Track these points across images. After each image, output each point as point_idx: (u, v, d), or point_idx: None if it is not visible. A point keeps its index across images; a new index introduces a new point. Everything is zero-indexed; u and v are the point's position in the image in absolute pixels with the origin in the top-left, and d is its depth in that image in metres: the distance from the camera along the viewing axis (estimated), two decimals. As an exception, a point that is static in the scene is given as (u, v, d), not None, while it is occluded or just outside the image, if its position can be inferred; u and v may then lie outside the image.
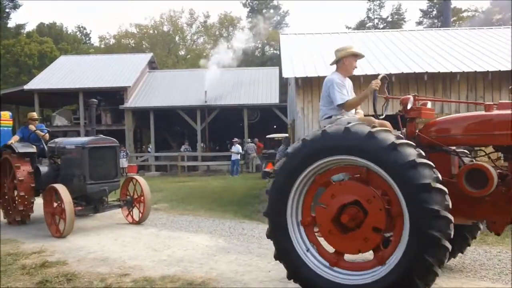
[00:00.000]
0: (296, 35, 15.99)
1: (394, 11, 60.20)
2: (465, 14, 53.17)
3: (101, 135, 10.24)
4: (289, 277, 5.11)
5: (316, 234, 5.16)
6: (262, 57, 59.20)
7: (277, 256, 5.26)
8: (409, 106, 5.30)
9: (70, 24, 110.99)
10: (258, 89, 31.65)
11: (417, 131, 5.28)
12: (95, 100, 10.78)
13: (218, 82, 30.51)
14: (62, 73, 32.16)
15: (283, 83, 18.52)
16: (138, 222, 10.11)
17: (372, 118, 5.43)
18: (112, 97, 31.72)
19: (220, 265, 6.61)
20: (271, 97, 29.12)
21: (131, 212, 10.35)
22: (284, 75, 12.39)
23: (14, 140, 10.81)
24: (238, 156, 25.83)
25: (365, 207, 4.64)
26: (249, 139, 28.82)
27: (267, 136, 29.86)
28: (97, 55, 42.17)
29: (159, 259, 7.05)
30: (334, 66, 6.20)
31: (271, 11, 63.96)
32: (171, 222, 10.26)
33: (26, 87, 30.37)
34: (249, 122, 30.25)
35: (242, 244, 8.07)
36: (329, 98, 5.85)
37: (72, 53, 50.32)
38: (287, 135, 18.36)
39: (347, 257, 5.04)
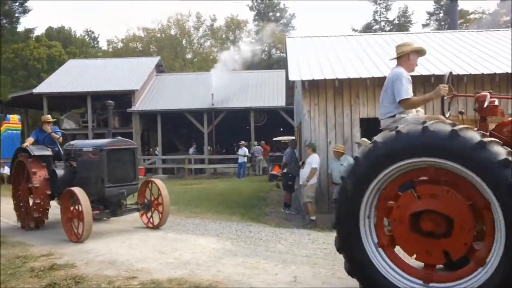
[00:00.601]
0: (303, 38, 16.01)
1: (400, 14, 60.02)
2: (472, 16, 52.94)
3: (119, 137, 10.02)
4: None
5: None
6: (269, 60, 59.19)
7: (351, 271, 4.88)
8: (486, 104, 4.94)
9: (79, 28, 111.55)
10: (265, 92, 31.68)
11: (489, 130, 4.90)
12: (111, 101, 10.53)
13: (224, 85, 30.57)
14: (71, 77, 32.37)
15: (290, 86, 18.52)
16: (157, 227, 9.86)
17: (442, 117, 5.03)
18: (120, 100, 31.70)
19: (227, 268, 6.63)
20: (278, 99, 29.11)
21: (149, 216, 10.14)
22: (291, 78, 12.40)
23: (28, 143, 10.56)
24: (245, 159, 25.85)
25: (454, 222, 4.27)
26: (256, 142, 28.85)
27: (274, 139, 29.88)
28: (105, 58, 42.47)
29: (166, 261, 7.08)
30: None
31: (278, 14, 63.97)
32: (178, 225, 10.29)
33: (35, 90, 30.59)
34: (255, 125, 30.28)
35: (249, 247, 8.08)
36: (393, 95, 5.41)
37: (80, 57, 50.63)
38: (293, 137, 18.35)
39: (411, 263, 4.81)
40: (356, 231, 4.66)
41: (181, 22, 61.61)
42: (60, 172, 10.03)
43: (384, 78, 5.85)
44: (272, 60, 58.62)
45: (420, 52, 5.83)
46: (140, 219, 10.28)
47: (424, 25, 58.75)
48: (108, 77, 32.25)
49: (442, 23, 55.36)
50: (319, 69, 12.26)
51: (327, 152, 11.73)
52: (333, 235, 8.59)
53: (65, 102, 33.96)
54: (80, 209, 8.52)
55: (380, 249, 4.69)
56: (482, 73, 11.46)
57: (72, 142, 10.57)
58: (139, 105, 30.32)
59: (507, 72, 11.39)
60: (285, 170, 14.07)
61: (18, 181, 10.72)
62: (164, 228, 9.93)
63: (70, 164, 10.28)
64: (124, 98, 31.19)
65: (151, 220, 10.07)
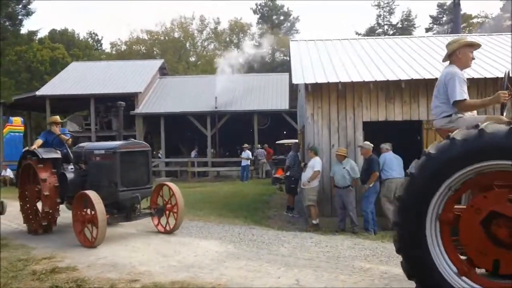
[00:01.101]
0: (306, 42, 16.01)
1: (404, 17, 60.09)
2: (475, 20, 52.93)
3: (133, 139, 9.74)
4: None
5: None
6: (272, 63, 59.26)
7: (410, 274, 4.52)
8: None
9: (82, 30, 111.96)
10: (268, 95, 31.70)
11: None
12: (122, 102, 10.40)
13: (228, 88, 30.60)
14: (74, 79, 32.44)
15: (293, 89, 18.54)
16: (170, 232, 9.59)
17: (503, 117, 4.82)
18: (124, 103, 31.81)
19: (229, 271, 6.61)
20: (281, 103, 29.12)
21: (163, 222, 9.84)
22: (294, 81, 12.41)
23: (37, 145, 10.22)
24: (248, 162, 25.85)
25: None
26: (259, 145, 28.85)
27: (277, 142, 29.88)
28: (109, 61, 42.54)
29: (168, 264, 7.07)
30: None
31: (281, 17, 64.06)
32: (181, 228, 10.26)
33: (38, 93, 30.66)
34: (259, 128, 30.29)
35: (251, 250, 8.07)
36: (447, 95, 5.27)
37: (83, 59, 50.69)
38: (297, 141, 18.35)
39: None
40: (421, 232, 4.29)
41: (185, 25, 61.83)
42: (70, 175, 9.69)
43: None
44: (276, 63, 58.69)
45: (472, 45, 5.55)
46: (153, 224, 9.96)
47: (428, 29, 58.74)
48: (111, 80, 32.32)
49: (445, 27, 55.34)
50: (322, 73, 12.26)
51: (330, 155, 11.72)
52: (335, 238, 8.64)
53: (68, 105, 34.03)
54: (94, 213, 8.25)
55: (445, 253, 4.33)
56: (485, 77, 11.42)
57: (82, 144, 10.28)
58: (142, 107, 30.37)
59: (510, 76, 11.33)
60: (288, 173, 14.06)
61: (24, 184, 10.42)
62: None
63: (80, 167, 9.93)
64: (127, 100, 31.09)
65: (164, 225, 9.81)
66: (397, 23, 60.24)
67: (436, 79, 11.41)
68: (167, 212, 9.73)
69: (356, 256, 7.69)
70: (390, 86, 11.71)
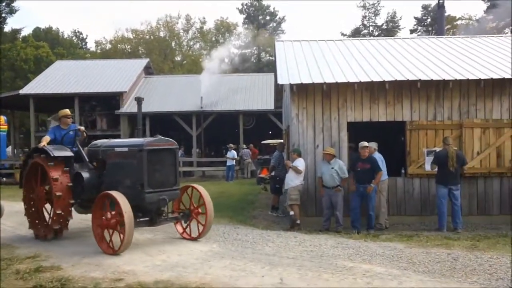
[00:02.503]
0: (292, 42, 16.06)
1: (389, 19, 60.55)
2: (459, 22, 53.50)
3: (160, 136, 8.82)
4: None
5: None
6: (258, 63, 59.33)
7: None
8: None
9: (66, 29, 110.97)
10: (254, 95, 31.76)
11: None
12: (141, 97, 9.73)
13: (214, 88, 30.59)
14: (58, 78, 32.21)
15: (279, 90, 18.59)
16: (196, 238, 8.93)
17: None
18: (108, 102, 31.76)
19: (214, 270, 6.65)
20: (267, 103, 29.19)
21: (186, 226, 9.22)
22: (279, 81, 12.44)
23: (45, 142, 9.27)
24: (234, 162, 25.87)
25: None
26: (244, 145, 28.89)
27: (262, 142, 29.94)
28: (93, 60, 42.29)
29: (153, 264, 7.09)
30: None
31: (267, 17, 64.16)
32: (166, 227, 10.27)
33: (22, 91, 30.40)
34: (244, 128, 30.35)
35: (236, 249, 8.12)
36: None
37: (68, 58, 50.38)
38: (282, 141, 18.41)
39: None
40: None
41: (171, 24, 61.57)
42: (86, 175, 8.87)
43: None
44: (262, 64, 58.76)
45: None
46: (175, 229, 9.34)
47: (412, 31, 59.23)
48: (96, 79, 32.12)
49: (430, 28, 55.84)
50: (307, 73, 12.33)
51: (315, 156, 11.79)
52: (319, 237, 8.72)
53: (52, 103, 33.61)
54: (118, 217, 7.57)
55: None
56: (468, 79, 11.58)
57: (97, 142, 9.47)
58: (127, 107, 30.24)
59: (492, 78, 11.52)
60: (273, 173, 14.10)
61: (30, 185, 9.56)
62: (151, 230, 9.90)
63: (95, 166, 9.14)
64: (112, 100, 31.13)
65: (188, 230, 9.18)
66: (382, 24, 60.73)
67: (419, 80, 11.63)
68: (193, 216, 9.02)
69: (339, 255, 7.79)
70: (375, 87, 11.81)
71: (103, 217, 7.85)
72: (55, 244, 8.63)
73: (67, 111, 10.15)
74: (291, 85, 11.79)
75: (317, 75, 12.10)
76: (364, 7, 61.04)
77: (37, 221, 9.48)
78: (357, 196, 10.87)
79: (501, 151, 11.67)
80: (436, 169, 10.92)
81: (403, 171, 12.17)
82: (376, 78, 11.73)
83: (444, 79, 11.57)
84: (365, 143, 10.98)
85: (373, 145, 11.43)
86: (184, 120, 29.96)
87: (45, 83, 31.49)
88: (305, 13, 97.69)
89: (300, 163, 11.38)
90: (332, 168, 10.93)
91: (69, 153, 9.17)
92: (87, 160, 9.22)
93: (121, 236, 7.55)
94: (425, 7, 57.65)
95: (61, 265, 7.08)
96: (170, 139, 8.82)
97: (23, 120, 41.11)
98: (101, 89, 30.61)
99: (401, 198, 11.87)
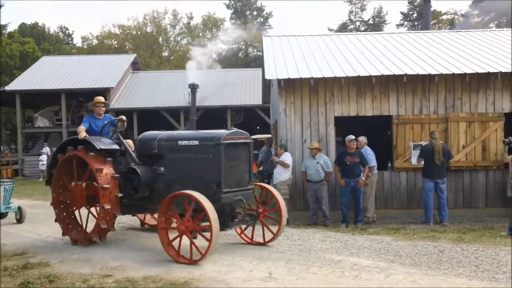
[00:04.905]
0: (279, 37, 16.07)
1: (375, 14, 60.65)
2: (444, 17, 53.77)
3: (235, 128, 7.97)
4: None
5: None
6: (246, 58, 59.23)
7: None
8: None
9: (53, 24, 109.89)
10: (242, 90, 31.75)
11: None
12: (196, 84, 8.73)
13: (202, 83, 30.43)
14: (44, 74, 31.94)
15: (266, 85, 18.62)
16: (265, 243, 8.02)
17: None
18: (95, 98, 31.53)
19: (203, 265, 6.66)
20: (255, 98, 29.22)
21: (245, 229, 8.35)
22: (267, 76, 12.48)
23: (83, 132, 8.23)
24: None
25: None
26: (232, 140, 28.80)
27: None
28: (80, 55, 41.91)
29: (142, 259, 7.09)
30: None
31: (255, 12, 64.03)
32: (153, 223, 10.27)
33: (7, 88, 30.10)
34: (232, 123, 30.32)
35: (225, 244, 8.13)
36: None
37: (54, 53, 49.84)
38: (270, 136, 18.43)
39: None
40: None
41: (158, 20, 61.20)
42: (142, 170, 7.81)
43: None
44: (249, 59, 58.68)
45: None
46: (236, 233, 8.41)
47: (398, 25, 59.46)
48: (83, 74, 31.86)
49: (416, 23, 56.09)
50: (295, 68, 12.36)
51: (303, 150, 11.84)
52: (307, 231, 8.77)
53: (39, 100, 33.50)
54: (208, 221, 6.57)
55: None
56: (453, 73, 11.68)
57: (150, 134, 8.45)
58: (114, 102, 30.07)
59: (477, 72, 11.64)
60: (261, 168, 14.13)
61: (62, 185, 8.52)
62: (140, 226, 9.89)
63: (145, 162, 8.09)
64: (99, 95, 30.88)
65: (252, 234, 8.24)
66: (369, 19, 60.74)
67: (406, 74, 11.70)
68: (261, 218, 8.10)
69: (327, 248, 7.85)
70: (361, 82, 11.88)
71: (179, 221, 6.92)
72: (43, 240, 8.60)
73: (100, 98, 9.18)
74: (279, 80, 11.82)
75: (305, 70, 12.14)
76: (350, 2, 60.96)
77: (70, 226, 8.49)
78: (347, 191, 10.91)
79: (486, 145, 11.80)
80: (423, 163, 11.02)
81: (389, 165, 12.27)
82: (363, 73, 11.79)
83: (430, 74, 11.67)
84: (353, 137, 11.04)
85: (363, 139, 11.50)
86: (172, 116, 29.94)
87: (31, 79, 31.19)
88: (292, 8, 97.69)
89: (287, 157, 11.42)
90: (318, 162, 10.98)
91: (115, 146, 8.25)
92: (133, 154, 8.29)
93: (209, 243, 6.58)
94: (411, 2, 57.78)
95: (49, 261, 7.06)
96: (246, 132, 8.01)
97: (9, 116, 40.74)
98: (88, 85, 30.40)
99: (388, 192, 11.96)
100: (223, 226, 7.12)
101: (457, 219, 11.27)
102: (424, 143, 11.39)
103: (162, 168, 7.84)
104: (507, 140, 11.43)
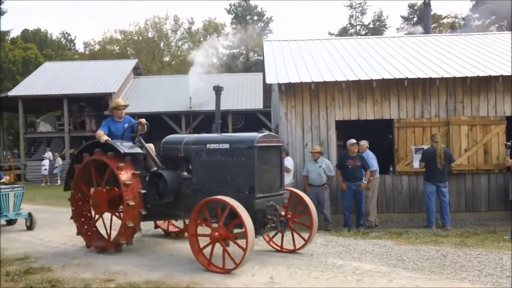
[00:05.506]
0: (280, 42, 16.11)
1: (375, 18, 60.72)
2: (445, 20, 53.82)
3: (266, 131, 7.56)
4: None
5: None
6: (246, 63, 59.31)
7: None
8: None
9: (55, 30, 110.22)
10: (243, 94, 31.79)
11: None
12: (221, 86, 8.31)
13: (202, 88, 30.57)
14: (47, 79, 32.08)
15: (267, 89, 18.64)
16: (295, 250, 7.80)
17: None
18: (97, 103, 31.69)
19: (204, 269, 6.65)
20: (255, 102, 29.29)
21: (273, 236, 8.09)
22: (268, 81, 12.49)
23: (104, 137, 8.00)
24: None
25: None
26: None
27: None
28: (82, 61, 42.05)
29: (143, 264, 7.08)
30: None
31: (255, 17, 64.15)
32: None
33: (10, 93, 30.27)
34: (233, 127, 30.36)
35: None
36: None
37: (56, 59, 50.00)
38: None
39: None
40: None
41: (159, 25, 61.38)
42: (168, 175, 7.57)
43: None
44: (250, 63, 58.76)
45: None
46: (265, 240, 8.12)
47: (398, 29, 59.51)
48: (84, 80, 31.99)
49: (416, 27, 56.15)
50: (295, 72, 12.37)
51: (304, 154, 11.83)
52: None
53: (41, 105, 33.60)
54: (244, 228, 6.31)
55: None
56: (454, 77, 11.68)
57: (174, 137, 8.34)
58: (116, 108, 30.10)
59: (478, 76, 11.63)
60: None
61: (82, 197, 8.40)
62: (141, 230, 9.86)
63: (168, 166, 7.93)
64: (101, 100, 31.05)
65: (281, 241, 7.98)
66: (369, 23, 60.82)
67: (406, 78, 11.69)
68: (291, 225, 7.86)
69: (329, 253, 7.83)
70: (362, 86, 11.88)
71: (213, 228, 6.70)
72: (45, 245, 8.60)
73: (119, 101, 8.91)
74: (280, 85, 11.83)
75: (305, 74, 12.15)
76: (351, 6, 61.14)
77: (89, 233, 8.32)
78: (349, 195, 10.90)
79: (488, 148, 11.78)
80: (424, 167, 11.01)
81: (391, 168, 12.26)
82: (364, 77, 11.80)
83: (430, 77, 11.66)
84: (354, 141, 11.04)
85: (364, 143, 11.50)
86: (173, 120, 29.97)
87: (33, 84, 31.35)
88: (293, 13, 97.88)
89: (288, 161, 11.41)
90: (320, 166, 10.96)
91: (139, 150, 8.04)
92: (156, 158, 8.11)
93: (244, 252, 6.32)
94: (411, 6, 57.87)
95: (51, 266, 7.06)
96: (277, 135, 7.64)
97: (12, 121, 40.84)
98: (90, 90, 30.53)
99: (390, 196, 11.95)
100: (255, 233, 6.69)
101: (459, 223, 11.24)
102: (425, 147, 11.38)
103: (186, 173, 7.64)
104: (509, 143, 11.43)
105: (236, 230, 6.77)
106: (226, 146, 7.19)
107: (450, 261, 7.15)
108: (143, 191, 7.59)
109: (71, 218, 8.37)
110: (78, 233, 8.31)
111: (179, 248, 8.18)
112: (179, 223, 9.59)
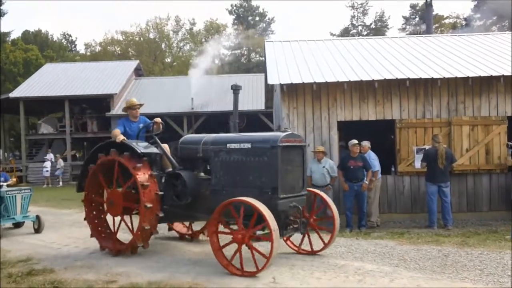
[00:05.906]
0: (281, 43, 16.11)
1: (377, 18, 60.71)
2: (447, 20, 53.80)
3: (289, 130, 7.52)
4: None
5: None
6: (248, 63, 59.33)
7: None
8: None
9: (56, 31, 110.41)
10: (244, 95, 31.68)
11: None
12: (239, 85, 8.22)
13: (204, 89, 30.60)
14: (48, 81, 32.11)
15: (269, 90, 18.65)
16: (313, 252, 7.68)
17: None
18: (99, 104, 31.71)
19: (207, 270, 6.67)
20: (257, 103, 29.25)
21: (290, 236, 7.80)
22: (269, 81, 12.49)
23: (120, 136, 7.88)
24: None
25: None
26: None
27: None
28: (83, 62, 42.10)
29: (146, 265, 7.10)
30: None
31: (257, 18, 64.19)
32: (158, 229, 10.26)
33: (11, 95, 30.28)
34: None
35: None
36: None
37: (57, 60, 50.04)
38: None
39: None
40: None
41: (160, 26, 61.41)
42: (187, 176, 7.44)
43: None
44: (252, 64, 58.78)
45: None
46: (284, 242, 7.86)
47: (400, 30, 59.50)
48: (86, 81, 32.03)
49: (418, 27, 56.12)
50: (297, 73, 12.37)
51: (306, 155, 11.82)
52: (311, 236, 8.71)
53: (42, 107, 33.65)
54: (269, 230, 6.20)
55: None
56: (456, 77, 11.68)
57: (191, 137, 8.26)
58: (117, 109, 30.08)
59: (480, 76, 11.63)
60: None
61: (96, 192, 8.35)
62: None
63: (185, 166, 7.78)
64: (102, 102, 31.07)
65: (298, 243, 7.90)
66: (371, 24, 60.81)
67: (408, 78, 11.69)
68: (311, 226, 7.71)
69: (331, 253, 7.84)
70: (364, 86, 11.88)
71: (235, 230, 6.61)
72: (47, 247, 8.61)
73: (133, 100, 8.67)
74: (281, 85, 11.83)
75: (307, 75, 12.16)
76: (352, 7, 61.11)
77: (101, 232, 8.26)
78: (351, 195, 10.90)
79: (489, 148, 11.78)
80: (426, 167, 11.01)
81: (393, 169, 12.26)
82: (365, 77, 11.80)
83: (432, 77, 11.66)
84: (356, 141, 11.04)
85: (366, 143, 11.51)
86: (175, 122, 29.95)
87: (35, 86, 31.39)
88: (294, 13, 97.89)
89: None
90: (323, 167, 10.97)
91: (155, 150, 7.91)
92: (172, 158, 7.95)
93: (270, 254, 6.20)
94: (413, 6, 57.87)
95: (53, 268, 7.07)
96: (299, 135, 7.72)
97: (13, 123, 40.88)
98: (92, 91, 30.56)
99: (392, 196, 11.95)
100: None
101: (461, 223, 11.24)
102: (427, 147, 11.38)
103: (204, 173, 7.55)
104: (511, 143, 11.43)
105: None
106: (248, 145, 7.03)
107: (452, 261, 7.15)
108: (160, 193, 7.50)
109: (85, 219, 8.30)
110: (92, 234, 8.21)
111: (182, 250, 8.20)
112: (193, 226, 9.39)
